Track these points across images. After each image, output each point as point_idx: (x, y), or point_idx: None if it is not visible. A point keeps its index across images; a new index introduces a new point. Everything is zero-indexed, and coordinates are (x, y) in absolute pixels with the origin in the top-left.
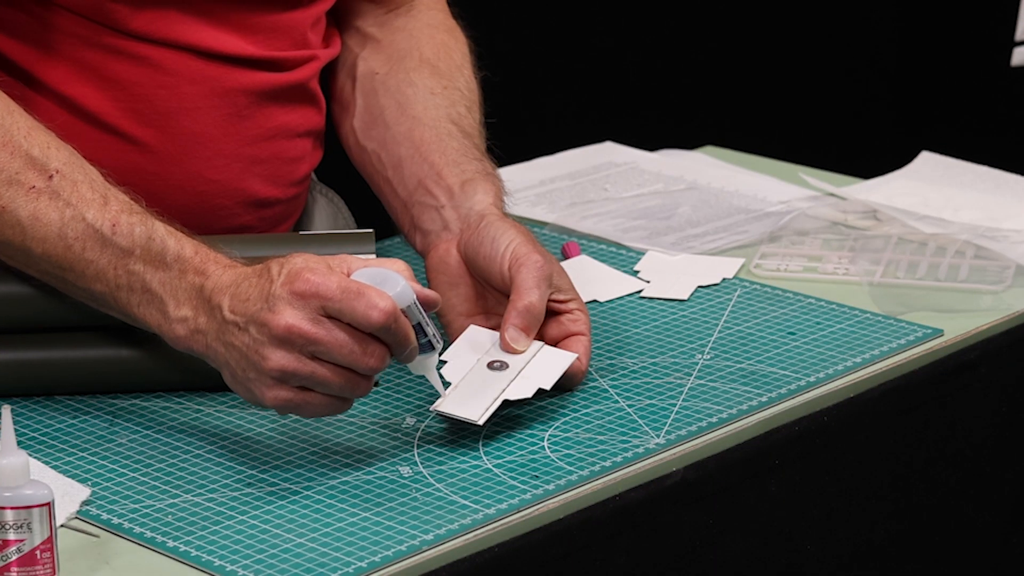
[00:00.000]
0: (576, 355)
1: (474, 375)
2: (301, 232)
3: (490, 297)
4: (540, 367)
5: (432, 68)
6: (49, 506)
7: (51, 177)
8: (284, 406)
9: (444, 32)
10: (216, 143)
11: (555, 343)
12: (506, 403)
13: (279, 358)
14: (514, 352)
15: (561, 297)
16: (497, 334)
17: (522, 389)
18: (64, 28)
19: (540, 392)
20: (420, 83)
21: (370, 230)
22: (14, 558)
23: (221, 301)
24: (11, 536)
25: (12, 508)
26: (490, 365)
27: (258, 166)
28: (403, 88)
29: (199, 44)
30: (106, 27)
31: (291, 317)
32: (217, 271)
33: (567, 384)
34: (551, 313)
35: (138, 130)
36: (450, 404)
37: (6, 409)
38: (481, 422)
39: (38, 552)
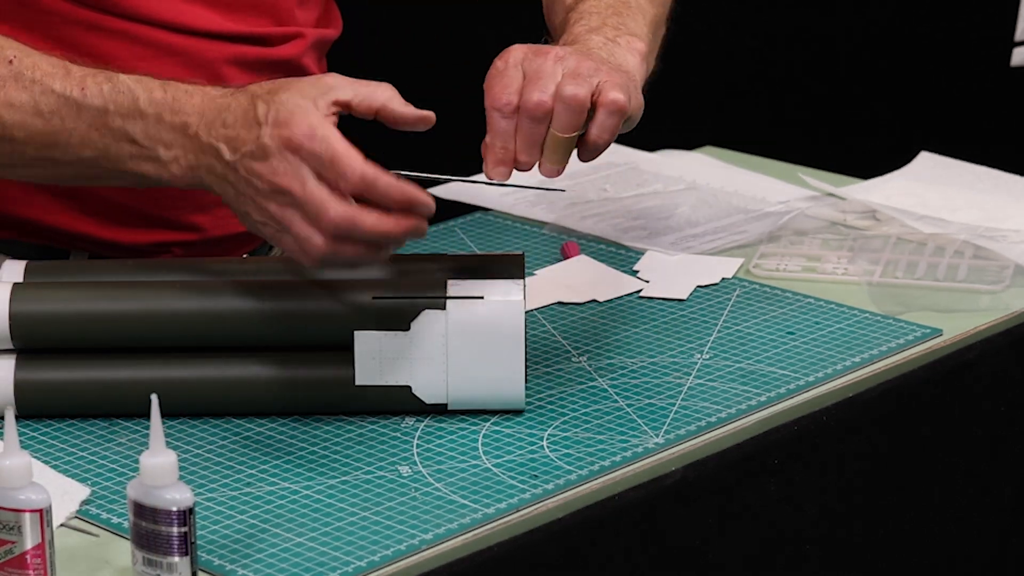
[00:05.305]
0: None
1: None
2: None
3: None
4: None
5: None
6: (42, 513)
7: (10, 62)
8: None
9: None
10: None
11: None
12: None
13: (274, 209)
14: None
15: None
16: None
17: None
18: (42, 7)
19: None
20: None
21: None
22: (3, 559)
23: (212, 142)
24: (1, 536)
25: (1, 509)
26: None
27: None
28: None
29: (176, 20)
30: (85, 4)
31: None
32: (192, 103)
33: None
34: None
35: None
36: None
37: (9, 411)
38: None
39: (28, 556)
